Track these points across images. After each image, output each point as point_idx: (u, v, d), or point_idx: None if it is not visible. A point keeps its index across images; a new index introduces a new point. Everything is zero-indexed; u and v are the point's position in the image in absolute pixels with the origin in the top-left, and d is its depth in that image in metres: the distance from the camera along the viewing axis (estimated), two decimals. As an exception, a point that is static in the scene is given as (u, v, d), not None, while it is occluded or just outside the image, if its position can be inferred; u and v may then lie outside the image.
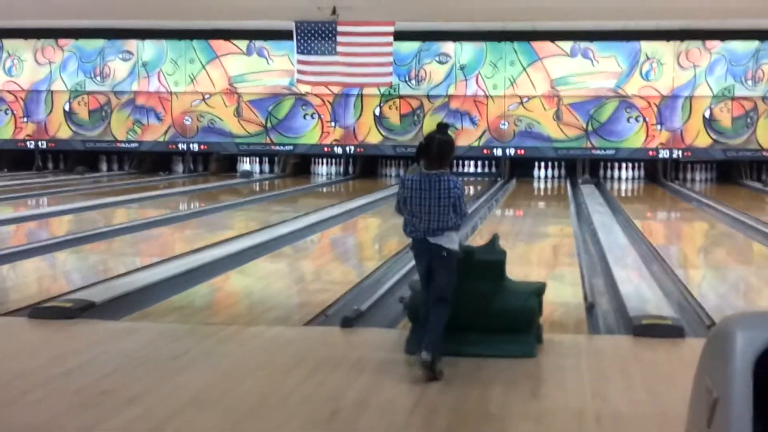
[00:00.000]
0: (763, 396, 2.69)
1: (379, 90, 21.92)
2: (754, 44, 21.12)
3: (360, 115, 22.44)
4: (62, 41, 23.20)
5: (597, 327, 6.59)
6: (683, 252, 11.36)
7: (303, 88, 21.78)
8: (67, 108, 23.41)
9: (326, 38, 18.70)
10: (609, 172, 22.23)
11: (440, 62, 22.09)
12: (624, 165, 22.24)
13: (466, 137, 21.67)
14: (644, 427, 4.16)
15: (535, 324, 5.55)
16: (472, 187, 19.25)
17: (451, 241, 5.11)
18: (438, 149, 5.05)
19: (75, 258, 9.81)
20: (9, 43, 23.35)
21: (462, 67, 21.99)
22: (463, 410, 4.43)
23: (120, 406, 4.40)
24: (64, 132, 23.46)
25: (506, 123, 21.90)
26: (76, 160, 23.64)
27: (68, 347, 5.63)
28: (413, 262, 8.84)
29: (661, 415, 4.31)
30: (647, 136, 21.56)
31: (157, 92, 23.05)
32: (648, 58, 21.40)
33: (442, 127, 5.19)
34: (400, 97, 22.23)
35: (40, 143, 23.53)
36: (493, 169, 22.38)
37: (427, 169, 5.06)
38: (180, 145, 23.09)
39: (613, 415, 4.34)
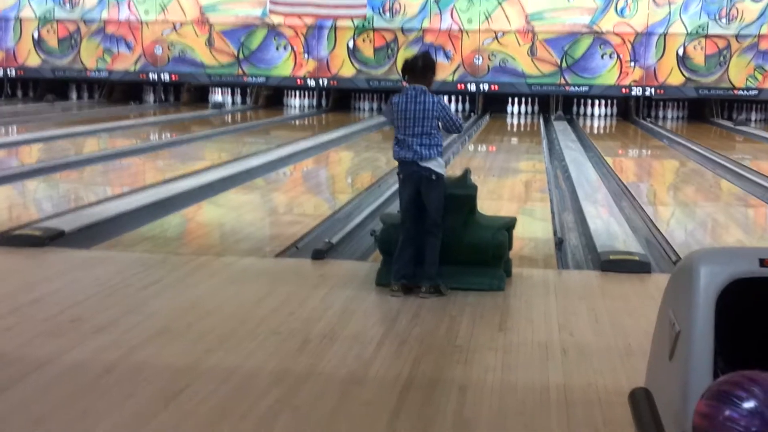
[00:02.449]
0: (726, 330, 2.75)
1: (353, 22, 21.66)
2: (730, -18, 21.05)
3: (333, 47, 22.21)
4: (30, -34, 22.69)
5: (566, 262, 6.66)
6: (653, 189, 11.45)
7: (276, 19, 21.48)
8: (35, 36, 22.98)
9: (300, -32, 18.41)
10: (582, 108, 22.23)
11: (415, -5, 21.83)
12: (597, 102, 22.23)
13: (440, 72, 21.37)
14: (609, 360, 4.24)
15: (505, 258, 5.60)
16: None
17: (439, 165, 5.34)
18: (423, 62, 5.40)
19: (45, 186, 9.74)
20: (-25, -33, 22.81)
21: (437, 0, 21.75)
22: (431, 342, 4.49)
23: (89, 335, 4.42)
24: (33, 60, 23.07)
25: (480, 58, 21.77)
26: (46, 88, 23.28)
27: (38, 275, 5.62)
28: (385, 196, 8.91)
29: (626, 348, 4.39)
30: (621, 73, 21.53)
31: (128, 21, 22.65)
32: (623, -6, 21.28)
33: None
34: (374, 30, 21.99)
35: (9, 71, 23.13)
36: (467, 105, 22.31)
37: (414, 84, 5.35)
38: (151, 75, 22.79)
39: (579, 347, 4.41)
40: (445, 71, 21.64)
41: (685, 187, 11.42)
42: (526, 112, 22.21)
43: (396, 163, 5.50)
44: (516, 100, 22.28)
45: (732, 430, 2.27)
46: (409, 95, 5.31)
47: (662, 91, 21.57)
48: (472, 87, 21.75)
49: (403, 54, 21.71)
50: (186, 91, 23.23)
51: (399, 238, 5.39)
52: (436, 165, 5.30)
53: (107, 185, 9.98)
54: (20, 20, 22.92)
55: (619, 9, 21.30)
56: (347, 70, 22.19)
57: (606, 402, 3.69)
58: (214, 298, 5.22)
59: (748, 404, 2.27)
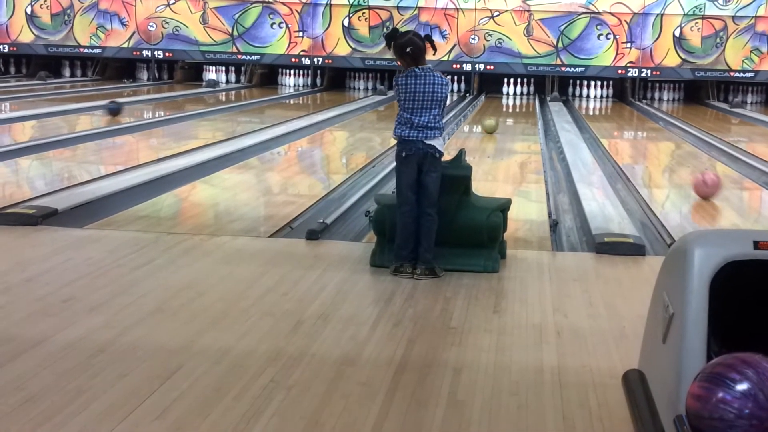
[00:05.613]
0: (719, 312, 2.74)
1: (348, 0, 21.55)
2: (728, -37, 20.96)
3: (328, 25, 22.10)
4: (23, -59, 22.51)
5: (560, 244, 6.66)
6: (648, 171, 11.44)
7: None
8: (29, 11, 22.82)
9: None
10: (578, 89, 22.18)
11: (411, -28, 21.71)
12: (593, 83, 22.18)
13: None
14: (602, 342, 4.24)
15: (499, 239, 5.59)
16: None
17: (441, 145, 5.40)
18: (425, 42, 5.37)
19: (38, 164, 9.69)
20: (-33, -58, 22.62)
21: (433, -21, 21.65)
22: (425, 323, 4.48)
23: (82, 314, 4.40)
24: (26, 36, 22.92)
25: (476, 38, 21.70)
26: (39, 64, 23.14)
27: (30, 254, 5.60)
28: (380, 176, 8.89)
29: (619, 331, 4.39)
30: (617, 54, 21.47)
31: (122, -3, 22.50)
32: (620, -25, 21.19)
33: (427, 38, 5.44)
34: (370, 8, 21.88)
35: (1, 47, 22.98)
36: (462, 85, 22.25)
37: (422, 65, 5.35)
38: (144, 52, 22.67)
39: (573, 329, 4.41)
40: (440, 51, 21.52)
41: (681, 170, 11.41)
42: (522, 93, 22.16)
43: (392, 143, 5.49)
44: (512, 80, 22.22)
45: (725, 412, 2.27)
46: (419, 76, 5.30)
47: (658, 72, 21.52)
48: (468, 67, 21.67)
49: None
50: (179, 69, 23.12)
51: (399, 220, 5.32)
52: (439, 144, 5.36)
53: (100, 164, 9.94)
54: (13, -5, 22.76)
55: (615, -11, 21.21)
56: (342, 49, 22.10)
57: (600, 384, 3.69)
58: (207, 278, 5.21)
59: (742, 386, 2.27)
